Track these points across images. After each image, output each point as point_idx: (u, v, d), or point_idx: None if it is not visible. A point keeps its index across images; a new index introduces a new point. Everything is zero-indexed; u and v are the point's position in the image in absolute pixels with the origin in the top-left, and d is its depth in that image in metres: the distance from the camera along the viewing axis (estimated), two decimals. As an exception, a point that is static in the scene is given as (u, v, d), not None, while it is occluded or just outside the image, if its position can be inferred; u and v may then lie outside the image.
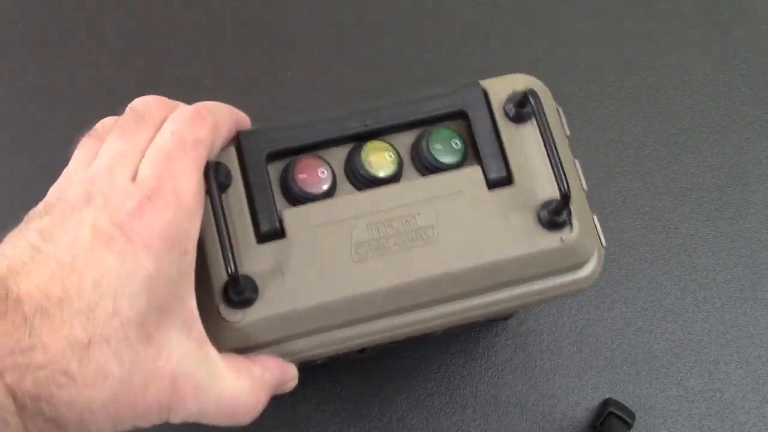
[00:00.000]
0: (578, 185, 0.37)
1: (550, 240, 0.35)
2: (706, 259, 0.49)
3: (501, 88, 0.37)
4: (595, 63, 0.52)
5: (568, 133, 0.38)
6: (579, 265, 0.36)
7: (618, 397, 0.47)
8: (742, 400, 0.47)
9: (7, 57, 0.51)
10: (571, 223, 0.35)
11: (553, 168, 0.34)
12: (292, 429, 0.46)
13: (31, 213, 0.32)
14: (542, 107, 0.35)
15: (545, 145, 0.34)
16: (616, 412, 0.46)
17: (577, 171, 0.38)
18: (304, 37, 0.52)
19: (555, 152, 0.34)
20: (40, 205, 0.32)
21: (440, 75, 0.51)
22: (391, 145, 0.36)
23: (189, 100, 0.52)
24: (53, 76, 0.51)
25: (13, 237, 0.30)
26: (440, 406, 0.47)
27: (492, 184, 0.36)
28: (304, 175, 0.36)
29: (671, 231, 0.49)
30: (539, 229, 0.35)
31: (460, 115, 0.37)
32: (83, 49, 0.51)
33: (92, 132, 0.35)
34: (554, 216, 0.35)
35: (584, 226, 0.36)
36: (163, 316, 0.30)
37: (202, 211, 0.32)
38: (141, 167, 0.31)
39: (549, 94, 0.38)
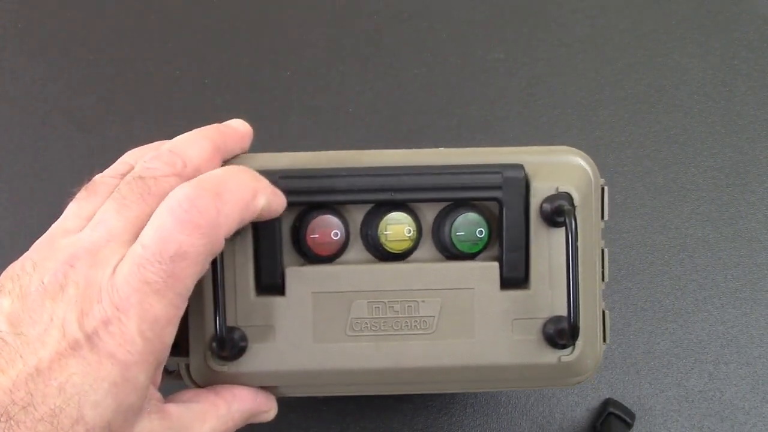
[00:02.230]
0: (596, 294, 0.35)
1: (549, 357, 0.34)
2: (706, 259, 0.49)
3: (544, 176, 0.34)
4: (595, 63, 0.52)
5: (606, 217, 0.36)
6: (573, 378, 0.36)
7: (618, 397, 0.47)
8: (742, 400, 0.47)
9: (7, 57, 0.51)
10: (574, 346, 0.34)
11: (569, 294, 0.33)
12: (294, 429, 0.46)
13: (7, 275, 0.30)
14: (576, 226, 0.33)
15: (568, 265, 0.33)
16: (616, 412, 0.46)
17: (602, 264, 0.36)
18: (304, 37, 0.52)
19: (575, 278, 0.33)
20: (17, 266, 0.30)
21: (440, 75, 0.51)
22: (413, 219, 0.35)
23: (188, 100, 0.52)
24: (53, 76, 0.51)
25: None
26: (441, 406, 0.47)
27: (506, 284, 0.34)
28: (316, 236, 0.34)
29: (671, 231, 0.49)
30: (541, 342, 0.34)
31: (494, 199, 0.35)
32: (83, 49, 0.51)
33: (90, 185, 0.33)
34: (558, 337, 0.34)
35: (587, 346, 0.35)
36: (129, 413, 0.29)
37: (181, 315, 0.30)
38: (122, 262, 0.29)
39: (596, 172, 0.36)
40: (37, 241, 0.31)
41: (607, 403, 0.46)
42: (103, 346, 0.28)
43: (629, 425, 0.46)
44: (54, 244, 0.30)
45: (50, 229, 0.32)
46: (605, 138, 0.51)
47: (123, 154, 0.49)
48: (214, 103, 0.51)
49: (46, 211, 0.49)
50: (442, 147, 0.50)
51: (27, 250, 0.48)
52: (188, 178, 0.31)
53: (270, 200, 0.32)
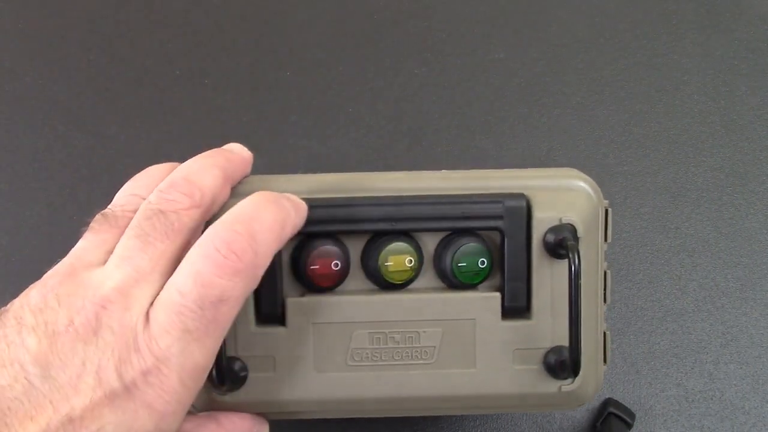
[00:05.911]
0: (597, 318, 0.35)
1: (550, 386, 0.34)
2: (706, 259, 0.49)
3: (547, 205, 0.34)
4: (595, 63, 0.52)
5: (609, 239, 0.36)
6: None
7: (618, 397, 0.47)
8: (742, 400, 0.47)
9: (7, 57, 0.51)
10: (574, 376, 0.34)
11: (571, 331, 0.32)
12: (294, 430, 0.46)
13: (27, 307, 0.28)
14: (579, 261, 0.32)
15: (571, 301, 0.32)
16: (616, 412, 0.46)
17: (605, 287, 0.36)
18: (304, 37, 0.52)
19: (578, 314, 0.32)
20: (36, 297, 0.29)
21: (441, 75, 0.51)
22: (414, 248, 0.34)
23: (188, 100, 0.52)
24: (53, 76, 0.51)
25: (2, 345, 0.28)
26: (440, 406, 0.47)
27: (507, 314, 0.34)
28: (317, 266, 0.34)
29: (671, 231, 0.49)
30: (541, 372, 0.34)
31: (496, 229, 0.34)
32: (83, 49, 0.51)
33: (109, 213, 0.32)
34: (559, 368, 0.34)
35: (588, 374, 0.35)
36: None
37: (211, 366, 0.30)
38: (155, 310, 0.28)
39: (600, 195, 0.36)
40: (55, 270, 0.30)
41: (607, 403, 0.46)
42: (140, 396, 0.28)
43: (629, 425, 0.46)
44: (77, 277, 0.29)
45: (68, 258, 0.31)
46: (605, 138, 0.51)
47: (123, 154, 0.49)
48: (214, 103, 0.51)
49: (46, 211, 0.49)
50: (442, 147, 0.50)
51: (27, 250, 0.48)
52: (206, 209, 0.31)
53: (295, 224, 0.32)
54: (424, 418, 0.47)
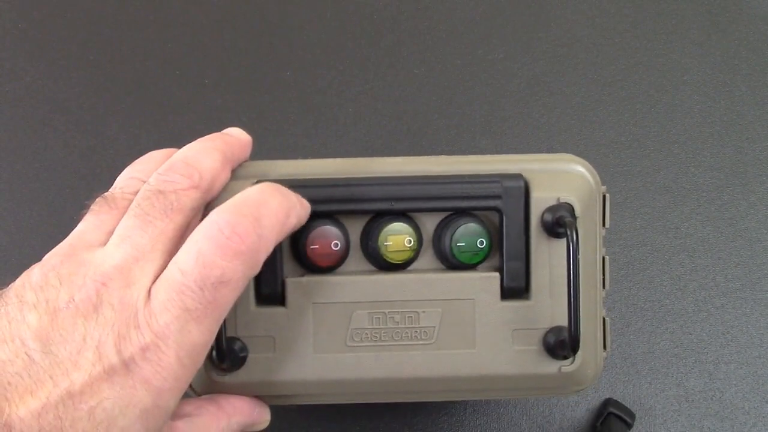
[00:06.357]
0: (596, 302, 0.35)
1: (549, 367, 0.34)
2: (706, 259, 0.49)
3: (545, 186, 0.34)
4: (595, 63, 0.52)
5: (607, 225, 0.36)
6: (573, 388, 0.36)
7: (618, 397, 0.47)
8: (742, 400, 0.47)
9: (7, 57, 0.51)
10: (574, 357, 0.34)
11: (570, 308, 0.33)
12: (294, 428, 0.46)
13: (27, 285, 0.29)
14: (577, 238, 0.32)
15: (569, 278, 0.32)
16: (616, 412, 0.46)
17: (603, 272, 0.36)
18: (304, 37, 0.52)
19: (576, 291, 0.32)
20: (37, 275, 0.29)
21: (441, 75, 0.51)
22: (413, 229, 0.35)
23: (188, 100, 0.52)
24: (53, 76, 0.51)
25: (4, 322, 0.28)
26: (441, 406, 0.47)
27: (506, 294, 0.34)
28: (316, 246, 0.34)
29: (671, 231, 0.49)
30: (541, 352, 0.34)
31: (494, 209, 0.35)
32: (83, 49, 0.51)
33: (109, 195, 0.32)
34: (559, 348, 0.34)
35: (588, 356, 0.35)
36: None
37: (210, 346, 0.30)
38: (157, 287, 0.28)
39: (598, 180, 0.36)
40: (55, 251, 0.30)
41: (607, 403, 0.46)
42: (138, 372, 0.28)
43: (629, 425, 0.46)
44: (77, 257, 0.29)
45: (69, 239, 0.31)
46: (605, 138, 0.51)
47: (123, 154, 0.49)
48: (214, 103, 0.51)
49: (46, 211, 0.49)
50: (442, 147, 0.50)
51: (27, 250, 0.48)
52: (206, 190, 0.31)
53: (300, 216, 0.32)
54: (424, 420, 0.47)
